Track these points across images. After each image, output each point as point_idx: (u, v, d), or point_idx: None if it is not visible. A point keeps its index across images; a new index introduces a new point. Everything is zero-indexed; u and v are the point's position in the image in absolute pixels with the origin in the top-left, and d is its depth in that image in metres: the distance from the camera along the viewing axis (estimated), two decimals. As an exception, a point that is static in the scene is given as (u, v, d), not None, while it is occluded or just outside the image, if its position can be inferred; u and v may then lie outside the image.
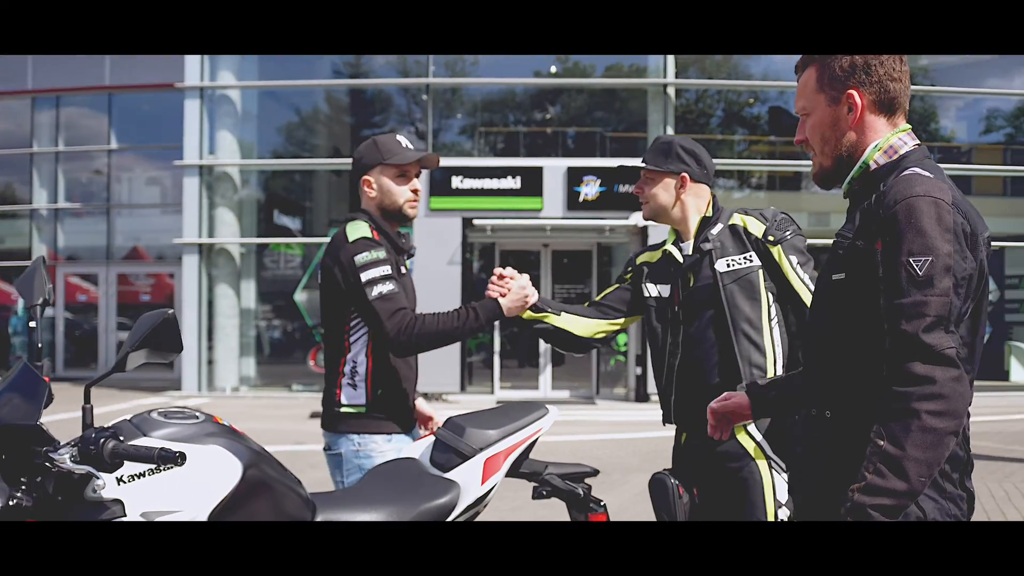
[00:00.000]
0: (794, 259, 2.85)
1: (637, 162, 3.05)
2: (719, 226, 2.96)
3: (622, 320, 3.14)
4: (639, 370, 14.00)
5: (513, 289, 2.99)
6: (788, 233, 2.89)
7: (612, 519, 2.82)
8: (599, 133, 17.87)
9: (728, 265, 2.89)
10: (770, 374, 2.80)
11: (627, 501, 6.49)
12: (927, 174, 1.82)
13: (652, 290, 3.06)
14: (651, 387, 13.79)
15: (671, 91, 15.70)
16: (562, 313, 3.09)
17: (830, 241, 2.05)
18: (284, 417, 12.18)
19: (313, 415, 12.11)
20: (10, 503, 1.82)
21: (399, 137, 3.13)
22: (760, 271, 2.88)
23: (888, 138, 1.95)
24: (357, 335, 2.99)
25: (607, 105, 18.41)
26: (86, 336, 19.05)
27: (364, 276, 2.87)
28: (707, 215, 3.00)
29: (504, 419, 2.77)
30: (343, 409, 2.99)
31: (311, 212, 18.53)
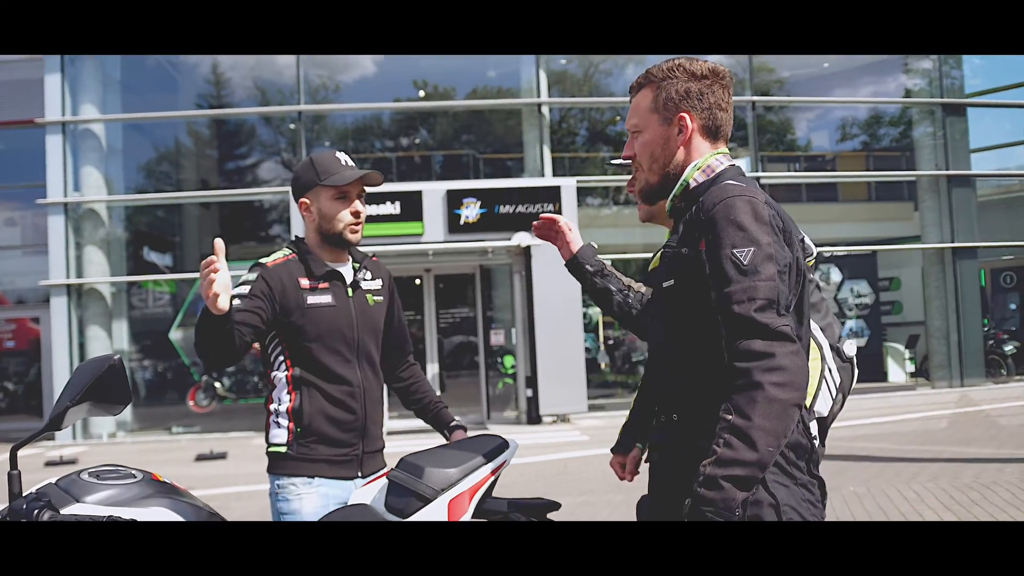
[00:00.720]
0: None
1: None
2: None
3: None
4: (530, 392, 13.95)
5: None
6: None
7: None
8: (471, 155, 17.93)
9: None
10: None
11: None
12: (740, 183, 1.97)
13: None
14: (543, 408, 13.77)
15: (545, 110, 15.88)
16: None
17: None
18: (168, 462, 11.68)
19: (199, 458, 11.70)
20: None
21: (339, 154, 2.91)
22: None
23: (706, 159, 2.10)
24: (277, 368, 2.85)
25: (475, 127, 18.51)
26: (-59, 388, 17.87)
27: None
28: None
29: (464, 456, 2.56)
30: (269, 449, 2.85)
31: (180, 247, 17.94)
